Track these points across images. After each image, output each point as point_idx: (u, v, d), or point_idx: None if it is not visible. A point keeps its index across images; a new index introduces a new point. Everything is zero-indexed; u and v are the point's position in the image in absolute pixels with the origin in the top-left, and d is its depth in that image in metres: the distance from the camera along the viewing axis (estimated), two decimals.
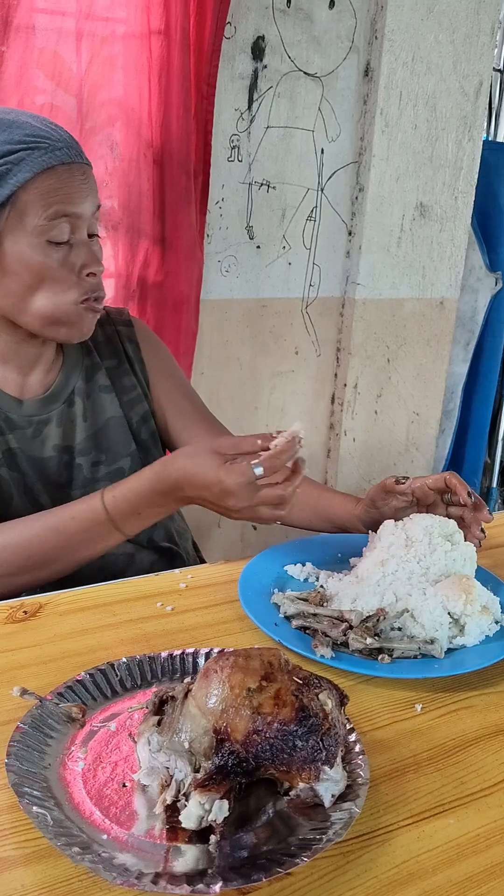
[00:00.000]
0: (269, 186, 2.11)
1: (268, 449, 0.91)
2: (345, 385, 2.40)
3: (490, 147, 2.50)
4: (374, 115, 2.18)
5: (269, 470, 0.90)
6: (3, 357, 1.10)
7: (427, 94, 2.22)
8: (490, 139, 2.81)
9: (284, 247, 2.19)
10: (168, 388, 1.27)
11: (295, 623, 0.89)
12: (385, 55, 2.14)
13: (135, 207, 1.88)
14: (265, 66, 2.03)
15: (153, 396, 1.26)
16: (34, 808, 0.60)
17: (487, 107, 2.50)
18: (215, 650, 0.82)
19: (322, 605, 0.91)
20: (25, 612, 0.91)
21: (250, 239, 2.12)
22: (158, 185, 1.86)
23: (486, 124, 2.65)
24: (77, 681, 0.76)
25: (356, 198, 2.25)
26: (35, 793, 0.62)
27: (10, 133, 0.99)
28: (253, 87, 2.03)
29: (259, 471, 0.90)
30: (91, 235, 1.06)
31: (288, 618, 0.91)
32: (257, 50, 2.01)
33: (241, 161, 2.06)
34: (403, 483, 1.06)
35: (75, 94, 1.82)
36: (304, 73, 2.09)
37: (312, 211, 2.20)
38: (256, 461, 0.90)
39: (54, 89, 1.79)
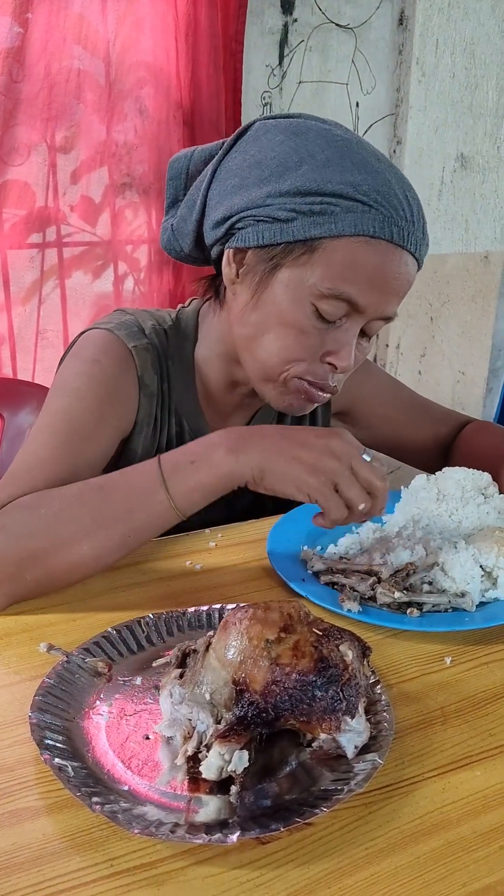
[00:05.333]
0: None
1: None
2: (387, 346, 2.36)
3: None
4: (409, 65, 2.12)
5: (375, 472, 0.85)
6: (210, 397, 1.09)
7: (465, 40, 2.15)
8: None
9: None
10: (373, 407, 1.25)
11: (324, 579, 0.88)
12: (420, 2, 2.08)
13: (165, 170, 1.86)
14: (295, 20, 1.98)
15: (355, 428, 1.25)
16: (55, 759, 0.61)
17: None
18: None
19: (349, 560, 0.90)
20: None
21: None
22: (189, 146, 1.83)
23: None
24: (104, 637, 0.77)
25: (394, 151, 2.20)
26: (57, 745, 0.63)
27: (362, 177, 0.86)
28: (283, 41, 1.99)
29: (367, 458, 0.85)
30: (365, 335, 0.96)
31: (318, 574, 0.90)
32: (287, 3, 1.97)
33: None
34: None
35: (103, 57, 1.81)
36: (336, 24, 2.04)
37: None
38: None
39: (82, 53, 1.78)
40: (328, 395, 0.97)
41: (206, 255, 1.03)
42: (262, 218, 0.89)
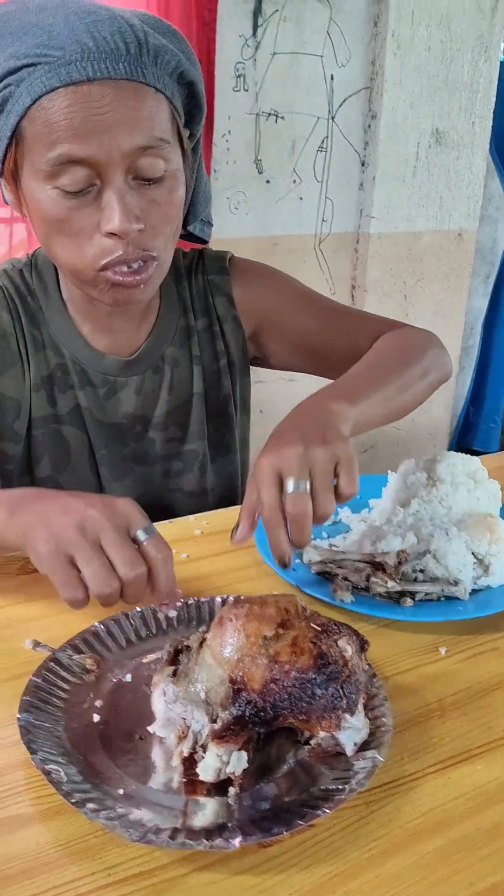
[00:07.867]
0: (277, 116, 2.03)
1: None
2: None
3: None
4: (385, 37, 2.08)
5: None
6: (81, 311, 1.02)
7: (441, 12, 2.12)
8: None
9: (295, 180, 2.11)
10: (283, 317, 1.12)
11: (315, 568, 0.86)
12: None
13: None
14: None
15: (271, 347, 1.14)
16: (47, 764, 0.58)
17: None
18: (231, 598, 0.79)
19: (342, 551, 0.88)
20: None
21: (259, 173, 2.05)
22: None
23: (503, 44, 2.53)
24: (91, 632, 0.74)
25: (369, 126, 2.17)
26: (47, 748, 0.60)
27: (21, 43, 0.78)
28: (257, 11, 1.94)
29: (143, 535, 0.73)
30: (146, 179, 0.83)
31: (310, 563, 0.88)
32: None
33: (247, 90, 1.98)
34: None
35: None
36: None
37: (323, 141, 2.12)
38: None
39: None
40: (147, 275, 0.87)
41: None
42: None
